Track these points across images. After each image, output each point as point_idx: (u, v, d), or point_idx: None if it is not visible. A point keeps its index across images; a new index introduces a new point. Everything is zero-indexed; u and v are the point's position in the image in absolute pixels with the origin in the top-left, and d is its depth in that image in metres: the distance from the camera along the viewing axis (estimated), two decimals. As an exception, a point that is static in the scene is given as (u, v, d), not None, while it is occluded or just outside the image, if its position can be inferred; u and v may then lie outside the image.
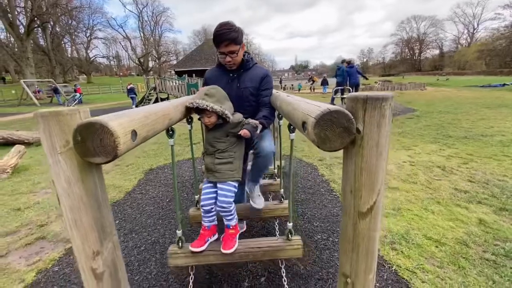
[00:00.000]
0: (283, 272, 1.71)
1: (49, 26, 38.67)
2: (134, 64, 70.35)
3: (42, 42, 40.39)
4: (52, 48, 39.20)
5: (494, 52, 54.35)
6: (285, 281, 1.67)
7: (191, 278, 1.65)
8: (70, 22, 46.87)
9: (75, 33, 50.75)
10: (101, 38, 60.19)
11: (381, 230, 2.35)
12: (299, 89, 25.13)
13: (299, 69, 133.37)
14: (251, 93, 1.85)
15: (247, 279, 1.88)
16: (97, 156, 0.72)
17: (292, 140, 1.44)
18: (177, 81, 15.65)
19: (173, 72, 26.60)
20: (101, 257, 0.85)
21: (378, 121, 0.75)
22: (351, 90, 9.88)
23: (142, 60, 60.24)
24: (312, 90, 24.03)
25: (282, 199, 2.22)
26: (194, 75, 17.09)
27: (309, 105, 0.91)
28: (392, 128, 6.73)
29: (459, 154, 4.35)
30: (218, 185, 1.60)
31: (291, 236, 1.64)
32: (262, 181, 2.50)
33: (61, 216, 2.90)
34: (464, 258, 1.97)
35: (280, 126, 2.08)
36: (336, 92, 10.78)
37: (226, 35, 1.65)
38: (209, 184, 1.65)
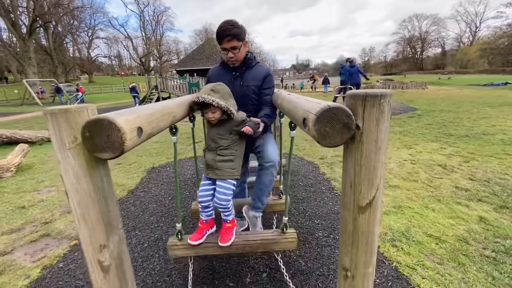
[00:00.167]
0: (283, 269, 1.74)
1: (51, 26, 38.86)
2: (136, 63, 70.58)
3: (44, 42, 40.61)
4: (54, 48, 39.40)
5: (497, 51, 54.05)
6: (286, 276, 1.70)
7: (190, 273, 1.68)
8: (72, 22, 47.00)
9: (77, 33, 50.91)
10: (102, 38, 60.52)
11: (382, 228, 2.37)
12: (301, 88, 25.12)
13: (301, 68, 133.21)
14: (253, 91, 1.86)
15: (249, 275, 1.91)
16: (104, 152, 0.74)
17: (292, 138, 1.47)
18: (178, 81, 15.71)
19: (174, 71, 26.62)
20: (108, 250, 0.88)
21: (377, 117, 0.77)
22: (352, 89, 9.88)
23: (143, 60, 60.40)
24: (314, 89, 24.01)
25: (281, 194, 2.26)
26: (195, 74, 17.15)
27: (310, 102, 0.93)
28: (393, 127, 6.75)
29: (460, 153, 4.36)
30: (217, 182, 1.62)
31: (286, 230, 1.68)
32: None
33: (66, 213, 2.94)
34: (464, 255, 1.98)
35: (281, 124, 2.11)
36: (339, 91, 10.78)
37: (229, 31, 1.69)
38: (207, 181, 1.66)
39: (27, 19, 32.31)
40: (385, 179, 3.43)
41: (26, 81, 21.53)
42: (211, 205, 1.67)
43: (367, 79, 10.66)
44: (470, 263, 1.89)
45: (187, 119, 1.71)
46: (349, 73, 10.05)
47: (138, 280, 1.89)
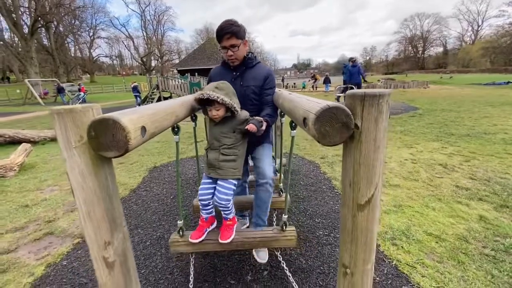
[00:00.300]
0: (283, 263, 1.75)
1: (53, 26, 38.95)
2: (137, 63, 70.64)
3: (45, 41, 40.70)
4: (55, 47, 39.48)
5: (499, 50, 53.79)
6: (283, 263, 1.73)
7: (191, 269, 1.70)
8: (73, 21, 47.09)
9: (78, 32, 50.99)
10: (104, 38, 60.54)
11: (382, 226, 2.39)
12: (303, 87, 25.15)
13: (302, 67, 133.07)
14: (253, 91, 1.87)
15: (250, 273, 1.93)
16: (109, 150, 0.77)
17: (293, 137, 1.49)
18: (179, 80, 15.74)
19: (175, 71, 26.66)
20: (112, 247, 0.90)
21: (375, 117, 0.79)
22: (354, 88, 9.88)
23: (144, 59, 60.45)
24: (315, 88, 23.99)
25: (281, 192, 2.28)
26: (196, 74, 17.17)
27: (310, 102, 0.95)
28: (394, 127, 6.75)
29: (461, 152, 4.36)
30: (219, 182, 1.62)
31: (285, 227, 1.70)
32: None
33: (69, 211, 2.97)
34: (463, 253, 2.00)
35: (282, 123, 2.12)
36: (342, 90, 10.80)
37: (227, 29, 1.71)
38: (208, 180, 1.67)
39: (28, 19, 32.45)
40: (386, 179, 3.44)
41: (28, 81, 21.63)
42: (211, 203, 1.68)
43: (365, 81, 10.64)
44: (469, 262, 1.90)
45: (188, 118, 1.73)
46: (350, 72, 10.07)
47: (140, 278, 1.92)
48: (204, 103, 1.58)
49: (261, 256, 1.94)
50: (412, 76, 41.74)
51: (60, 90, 20.95)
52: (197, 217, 2.73)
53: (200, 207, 1.70)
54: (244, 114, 1.64)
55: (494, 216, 2.46)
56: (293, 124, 1.39)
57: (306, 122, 0.88)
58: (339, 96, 10.84)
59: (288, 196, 1.73)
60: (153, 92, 16.37)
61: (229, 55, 1.79)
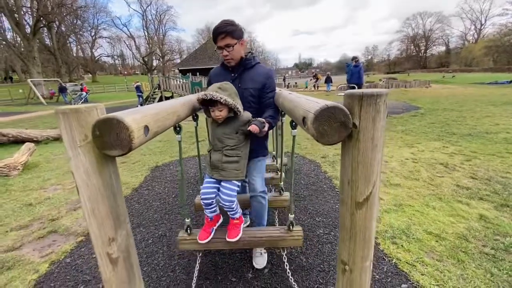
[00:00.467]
0: (287, 265, 1.77)
1: (55, 25, 39.06)
2: (139, 63, 70.78)
3: (48, 41, 40.86)
4: (58, 47, 39.60)
5: (502, 48, 53.40)
6: (287, 265, 1.74)
7: (197, 266, 1.72)
8: (75, 21, 47.23)
9: (80, 32, 51.16)
10: (105, 37, 60.62)
11: (382, 225, 2.40)
12: (306, 87, 25.20)
13: (303, 67, 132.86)
14: (251, 94, 1.83)
15: (251, 271, 1.95)
16: (114, 149, 0.79)
17: (294, 136, 1.50)
18: (181, 80, 15.78)
19: (177, 70, 26.68)
20: (116, 243, 0.92)
21: (373, 116, 0.80)
22: (355, 88, 9.88)
23: (146, 59, 60.55)
24: (316, 88, 23.98)
25: (282, 191, 2.30)
26: (198, 73, 17.17)
27: (309, 102, 0.97)
28: (395, 126, 6.75)
29: (462, 152, 4.36)
30: (222, 183, 1.63)
31: (292, 227, 1.71)
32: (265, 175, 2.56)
33: (72, 210, 3.01)
34: (463, 252, 2.01)
35: (282, 123, 2.14)
36: (345, 90, 10.79)
37: (222, 28, 1.69)
38: (211, 179, 1.67)
39: (31, 19, 32.53)
40: (387, 178, 3.45)
41: (31, 80, 21.74)
42: (214, 202, 1.69)
43: (362, 83, 10.58)
44: (469, 260, 1.92)
45: (189, 118, 1.75)
46: (351, 72, 10.05)
47: (143, 275, 1.93)
48: (207, 104, 1.59)
49: (258, 261, 1.99)
50: (414, 75, 41.59)
51: (61, 90, 21.05)
52: (199, 215, 2.77)
53: (204, 206, 1.71)
54: (247, 115, 1.64)
55: (494, 215, 2.47)
56: (294, 123, 1.40)
57: (305, 122, 0.90)
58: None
59: (292, 196, 1.75)
60: (154, 92, 16.42)
61: (224, 55, 1.77)
